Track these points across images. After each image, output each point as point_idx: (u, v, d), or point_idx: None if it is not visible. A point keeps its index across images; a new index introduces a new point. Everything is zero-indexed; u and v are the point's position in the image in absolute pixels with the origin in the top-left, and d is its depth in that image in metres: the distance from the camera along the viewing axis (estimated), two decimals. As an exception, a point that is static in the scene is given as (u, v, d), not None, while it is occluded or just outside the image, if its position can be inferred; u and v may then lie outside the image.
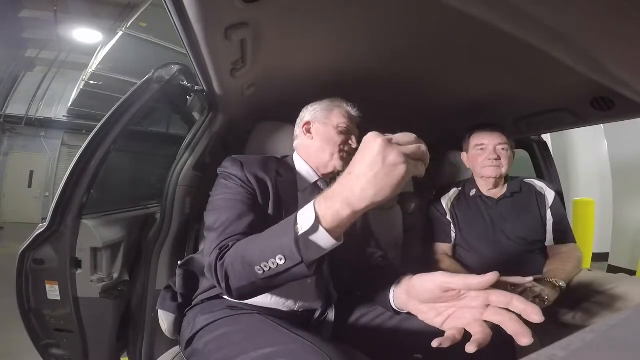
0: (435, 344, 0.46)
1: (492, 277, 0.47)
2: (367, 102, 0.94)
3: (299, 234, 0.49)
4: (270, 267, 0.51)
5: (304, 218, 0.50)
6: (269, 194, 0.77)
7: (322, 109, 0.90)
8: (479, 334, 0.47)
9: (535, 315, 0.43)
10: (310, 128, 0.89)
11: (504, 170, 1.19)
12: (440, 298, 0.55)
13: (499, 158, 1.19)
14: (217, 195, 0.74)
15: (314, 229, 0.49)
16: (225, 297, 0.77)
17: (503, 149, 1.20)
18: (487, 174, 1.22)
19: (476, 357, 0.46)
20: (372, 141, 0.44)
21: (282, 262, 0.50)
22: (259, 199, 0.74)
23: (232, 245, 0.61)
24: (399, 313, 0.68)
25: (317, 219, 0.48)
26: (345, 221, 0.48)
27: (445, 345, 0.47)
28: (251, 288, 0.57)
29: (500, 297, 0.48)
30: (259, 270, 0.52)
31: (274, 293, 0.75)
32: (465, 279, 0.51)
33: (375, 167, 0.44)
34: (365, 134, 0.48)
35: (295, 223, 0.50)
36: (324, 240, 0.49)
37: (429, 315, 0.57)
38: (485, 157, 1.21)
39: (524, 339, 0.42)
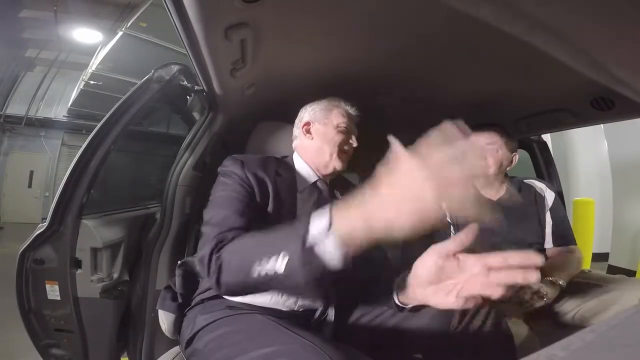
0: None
1: (473, 228, 0.48)
2: (368, 102, 0.94)
3: (307, 243, 0.46)
4: (267, 274, 0.49)
5: (315, 225, 0.47)
6: (269, 193, 0.77)
7: (321, 109, 0.90)
8: (495, 293, 0.47)
9: (535, 258, 0.44)
10: (310, 128, 0.89)
11: (491, 170, 1.17)
12: (442, 274, 0.53)
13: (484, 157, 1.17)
14: (215, 193, 0.75)
15: (321, 237, 0.46)
16: (225, 296, 0.77)
17: (491, 149, 1.18)
18: None
19: (476, 357, 0.46)
20: (405, 160, 0.41)
21: (282, 270, 0.47)
22: (257, 197, 0.75)
23: (230, 239, 0.60)
24: (402, 309, 0.68)
25: (330, 227, 0.45)
26: (356, 237, 0.44)
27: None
28: (240, 288, 0.56)
29: (496, 258, 0.48)
30: (255, 273, 0.50)
31: (274, 293, 0.75)
32: (454, 240, 0.51)
33: (401, 187, 0.41)
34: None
35: (306, 232, 0.47)
36: (330, 253, 0.45)
37: (439, 296, 0.54)
38: None
39: (532, 275, 0.43)
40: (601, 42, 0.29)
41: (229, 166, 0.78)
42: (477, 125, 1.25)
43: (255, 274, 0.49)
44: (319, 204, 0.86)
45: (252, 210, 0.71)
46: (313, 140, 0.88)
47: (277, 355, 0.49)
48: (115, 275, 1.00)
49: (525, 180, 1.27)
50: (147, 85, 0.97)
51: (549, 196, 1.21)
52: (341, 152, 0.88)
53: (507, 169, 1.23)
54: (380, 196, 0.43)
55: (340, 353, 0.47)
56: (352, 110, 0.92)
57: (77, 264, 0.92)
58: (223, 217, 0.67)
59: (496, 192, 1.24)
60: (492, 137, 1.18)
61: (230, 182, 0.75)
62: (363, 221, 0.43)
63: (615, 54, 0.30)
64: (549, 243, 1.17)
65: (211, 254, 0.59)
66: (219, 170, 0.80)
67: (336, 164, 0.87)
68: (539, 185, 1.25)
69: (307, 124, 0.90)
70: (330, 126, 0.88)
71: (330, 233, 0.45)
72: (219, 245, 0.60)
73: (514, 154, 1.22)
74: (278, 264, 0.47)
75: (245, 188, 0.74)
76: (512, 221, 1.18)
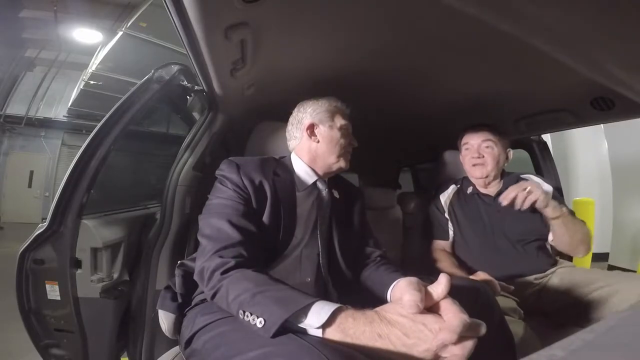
0: None
1: (446, 280, 0.51)
2: (368, 101, 0.94)
3: (294, 325, 0.51)
4: (248, 321, 0.54)
5: (312, 318, 0.51)
6: (266, 195, 0.78)
7: (324, 111, 0.90)
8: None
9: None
10: (314, 131, 0.89)
11: (489, 168, 1.18)
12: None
13: (481, 156, 1.19)
14: (212, 199, 0.77)
15: (313, 324, 0.51)
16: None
17: (487, 147, 1.19)
18: (474, 175, 1.23)
19: (476, 357, 0.46)
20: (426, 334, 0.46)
21: (261, 325, 0.52)
22: (253, 203, 0.76)
23: (234, 266, 0.62)
24: None
25: (326, 324, 0.50)
26: (338, 339, 0.50)
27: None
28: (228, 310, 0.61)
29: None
30: (240, 315, 0.55)
31: None
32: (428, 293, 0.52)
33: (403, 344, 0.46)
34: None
35: (303, 315, 0.52)
36: (310, 328, 0.51)
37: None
38: (469, 156, 1.23)
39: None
40: (601, 42, 0.29)
41: (225, 170, 0.79)
42: (470, 126, 1.26)
43: (240, 316, 0.55)
44: (318, 204, 0.87)
45: (247, 216, 0.73)
46: (320, 143, 0.89)
47: (274, 355, 0.49)
48: (115, 275, 1.00)
49: (522, 175, 1.27)
50: (147, 86, 0.97)
51: (547, 190, 1.21)
52: (347, 153, 0.91)
53: (505, 165, 1.24)
54: (385, 338, 0.47)
55: (337, 353, 0.47)
56: (347, 110, 0.95)
57: (77, 264, 0.91)
58: (218, 229, 0.69)
59: (495, 187, 1.25)
60: (486, 135, 1.21)
61: (224, 189, 0.77)
62: (351, 339, 0.49)
63: (615, 54, 0.30)
64: (552, 238, 1.17)
65: (213, 272, 0.62)
66: (216, 174, 0.81)
67: (342, 164, 0.90)
68: (536, 179, 1.24)
69: (311, 126, 0.90)
70: (335, 129, 0.89)
71: (319, 328, 0.50)
72: (222, 268, 0.62)
73: (508, 150, 1.24)
74: (258, 323, 0.52)
75: (240, 194, 0.76)
76: (512, 216, 1.18)
